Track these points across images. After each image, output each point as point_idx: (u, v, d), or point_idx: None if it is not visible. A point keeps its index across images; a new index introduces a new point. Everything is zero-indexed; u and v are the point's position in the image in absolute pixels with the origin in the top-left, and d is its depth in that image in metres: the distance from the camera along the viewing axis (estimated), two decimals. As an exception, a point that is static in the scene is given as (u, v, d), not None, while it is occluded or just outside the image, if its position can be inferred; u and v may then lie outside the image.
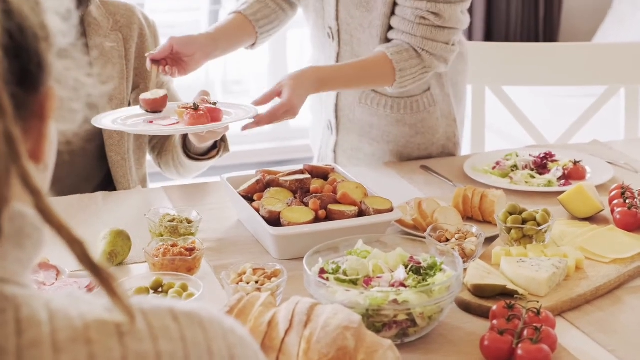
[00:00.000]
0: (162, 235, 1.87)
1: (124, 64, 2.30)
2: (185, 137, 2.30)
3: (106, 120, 2.05)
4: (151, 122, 2.11)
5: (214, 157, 2.32)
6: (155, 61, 2.17)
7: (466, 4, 2.28)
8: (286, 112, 2.09)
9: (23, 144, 0.73)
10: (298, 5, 2.46)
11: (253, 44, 2.41)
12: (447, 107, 2.50)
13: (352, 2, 2.30)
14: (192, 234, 1.89)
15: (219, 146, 2.32)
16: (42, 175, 0.83)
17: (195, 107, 2.06)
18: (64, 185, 2.25)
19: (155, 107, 2.14)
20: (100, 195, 2.21)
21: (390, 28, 2.32)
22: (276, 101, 2.12)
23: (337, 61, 2.39)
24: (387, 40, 2.33)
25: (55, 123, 0.83)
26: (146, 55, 2.18)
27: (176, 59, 2.20)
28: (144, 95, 2.14)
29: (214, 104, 2.10)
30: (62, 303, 0.76)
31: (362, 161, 2.49)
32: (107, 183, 2.34)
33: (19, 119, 0.76)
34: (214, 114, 2.07)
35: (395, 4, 2.28)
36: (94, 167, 2.34)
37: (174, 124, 2.09)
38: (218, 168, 2.36)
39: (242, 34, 2.35)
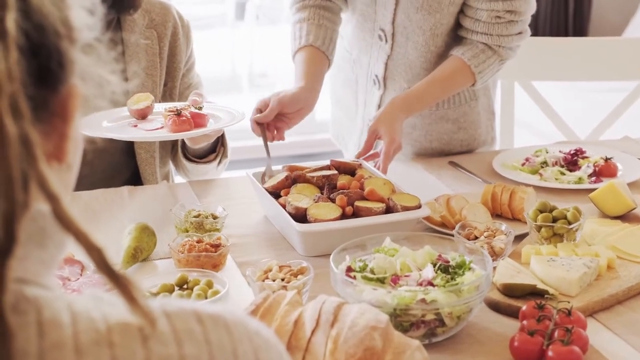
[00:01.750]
0: (187, 231, 1.86)
1: (158, 61, 2.31)
2: (182, 140, 2.30)
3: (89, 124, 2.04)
4: (135, 125, 2.11)
5: (211, 160, 2.31)
6: (261, 124, 2.17)
7: None
8: (395, 149, 2.16)
9: (40, 147, 0.71)
10: (345, 10, 2.44)
11: (328, 68, 2.40)
12: (487, 100, 2.51)
13: (412, 5, 2.28)
14: (218, 230, 1.87)
15: (217, 150, 2.31)
16: (66, 175, 0.81)
17: (178, 113, 2.05)
18: (91, 182, 2.24)
19: (142, 116, 2.14)
20: (125, 189, 2.20)
21: (457, 26, 2.33)
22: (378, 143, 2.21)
23: (387, 63, 2.39)
24: (450, 38, 2.33)
25: (80, 122, 0.81)
26: (251, 120, 2.17)
27: (279, 118, 2.21)
28: (130, 105, 2.13)
29: (199, 108, 2.11)
30: (84, 305, 0.75)
31: (403, 162, 2.48)
32: (134, 181, 2.33)
33: (40, 119, 0.74)
34: (197, 119, 2.07)
35: (463, 4, 2.28)
36: (121, 164, 2.33)
37: (157, 128, 2.09)
38: (242, 161, 2.35)
39: (323, 66, 2.35)
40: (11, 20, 0.69)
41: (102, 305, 0.76)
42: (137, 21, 2.28)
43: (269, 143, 2.18)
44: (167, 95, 2.35)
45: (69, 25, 0.76)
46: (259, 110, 2.18)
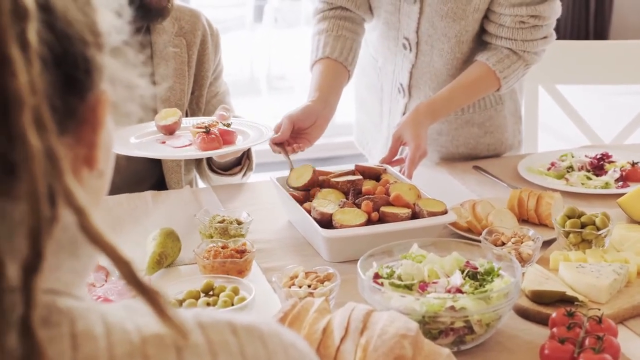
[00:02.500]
0: (212, 237, 1.85)
1: (186, 69, 2.30)
2: None
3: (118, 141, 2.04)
4: (164, 142, 2.11)
5: (236, 173, 2.30)
6: (280, 144, 2.16)
7: None
8: (421, 156, 2.15)
9: (66, 160, 0.70)
10: (371, 17, 2.42)
11: (348, 80, 2.38)
12: (513, 104, 2.50)
13: (436, 13, 2.27)
14: (242, 236, 1.86)
15: (242, 163, 2.30)
16: (97, 182, 0.80)
17: (207, 131, 2.05)
18: (117, 187, 2.24)
19: (170, 132, 2.14)
20: (149, 194, 2.19)
21: (481, 31, 2.32)
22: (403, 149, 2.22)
23: (412, 72, 2.38)
24: (476, 44, 2.32)
25: (111, 128, 0.80)
26: (270, 140, 2.16)
27: (298, 134, 2.20)
28: (158, 121, 2.13)
29: (228, 125, 2.10)
30: (118, 316, 0.74)
31: (428, 167, 2.46)
32: (159, 187, 2.32)
33: (68, 129, 0.73)
34: (226, 137, 2.07)
35: (487, 9, 2.27)
36: (147, 170, 2.33)
37: (185, 145, 2.09)
38: (266, 165, 2.34)
39: (341, 78, 2.33)
40: (33, 31, 0.68)
41: (136, 316, 0.75)
42: (167, 28, 2.28)
43: (290, 157, 2.16)
44: (193, 103, 2.35)
45: (96, 31, 0.75)
46: (276, 132, 2.17)
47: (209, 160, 2.31)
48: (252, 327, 0.77)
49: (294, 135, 2.19)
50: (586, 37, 5.25)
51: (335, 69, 2.31)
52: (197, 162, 2.41)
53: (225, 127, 2.10)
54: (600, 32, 5.31)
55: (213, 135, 2.04)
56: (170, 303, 0.73)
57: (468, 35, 2.30)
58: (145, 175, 2.33)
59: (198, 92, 2.35)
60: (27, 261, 0.67)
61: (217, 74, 2.41)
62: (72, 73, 0.72)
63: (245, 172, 2.32)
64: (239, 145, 2.10)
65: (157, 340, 0.72)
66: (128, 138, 2.10)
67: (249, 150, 2.29)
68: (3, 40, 0.66)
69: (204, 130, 2.04)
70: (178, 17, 2.32)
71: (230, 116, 2.16)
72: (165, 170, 2.30)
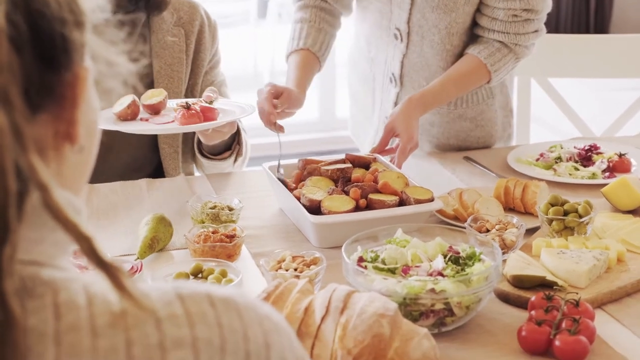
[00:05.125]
0: (203, 222, 1.89)
1: (184, 58, 2.34)
2: (197, 137, 2.33)
3: (102, 117, 2.06)
4: (147, 119, 2.14)
5: (226, 158, 2.34)
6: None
7: None
8: (412, 148, 2.19)
9: (31, 137, 0.72)
10: (349, 12, 2.47)
11: (318, 71, 2.43)
12: (504, 98, 2.54)
13: (428, 4, 2.31)
14: (233, 221, 1.90)
15: (232, 148, 2.34)
16: (79, 157, 0.82)
17: (187, 106, 2.08)
18: (117, 174, 2.28)
19: (155, 111, 2.16)
20: (144, 182, 2.23)
21: (473, 24, 2.35)
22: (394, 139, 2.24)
23: (403, 61, 2.41)
24: (466, 37, 2.36)
25: (95, 105, 0.83)
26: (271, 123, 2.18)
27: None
28: (143, 100, 2.15)
29: (210, 102, 2.13)
30: (100, 287, 0.76)
31: (419, 157, 2.50)
32: (157, 175, 2.36)
33: (45, 105, 0.76)
34: (207, 113, 2.09)
35: (480, 3, 2.31)
36: (146, 157, 2.36)
37: (168, 122, 2.11)
38: (262, 158, 2.37)
39: (313, 68, 2.39)
40: (1, 13, 0.71)
41: None
42: (166, 19, 2.33)
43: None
44: (188, 92, 2.39)
45: (76, 9, 0.78)
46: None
47: (199, 145, 2.34)
48: (229, 299, 0.80)
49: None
50: (587, 32, 5.26)
51: (313, 61, 2.37)
52: (193, 150, 2.44)
53: (207, 104, 2.12)
54: (600, 27, 5.33)
55: (193, 111, 2.06)
56: (130, 278, 0.76)
57: (458, 27, 2.33)
58: (144, 162, 2.37)
59: (193, 80, 2.39)
60: None
61: (213, 63, 2.45)
62: (48, 51, 0.75)
63: (236, 157, 2.35)
64: (219, 120, 2.11)
65: (137, 311, 0.75)
66: (113, 116, 2.12)
67: (239, 135, 2.32)
68: None
69: (185, 106, 2.08)
70: (177, 8, 2.37)
71: (216, 97, 2.19)
72: (163, 157, 2.33)
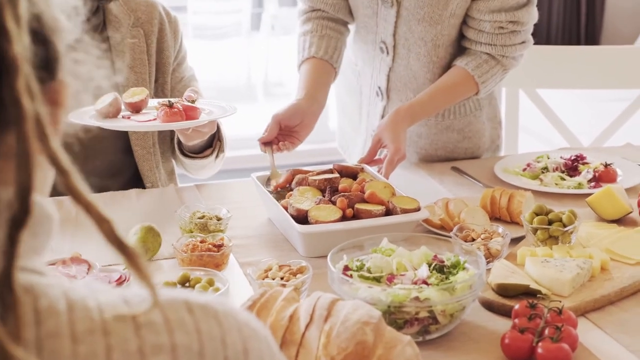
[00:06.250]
0: (192, 232, 1.90)
1: (146, 58, 2.34)
2: (177, 137, 2.33)
3: (84, 116, 2.05)
4: (128, 117, 2.13)
5: (208, 155, 2.35)
6: (267, 143, 2.22)
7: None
8: (400, 159, 2.20)
9: (50, 125, 0.74)
10: (352, 20, 2.49)
11: (335, 77, 2.44)
12: (492, 110, 2.55)
13: (413, 17, 2.32)
14: (222, 231, 1.92)
15: (214, 145, 2.35)
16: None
17: (170, 105, 2.08)
18: (92, 180, 2.28)
19: (136, 109, 2.16)
20: (133, 192, 2.25)
21: (460, 37, 2.37)
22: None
23: (389, 75, 2.43)
24: (453, 49, 2.38)
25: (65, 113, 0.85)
26: (258, 140, 2.22)
27: (287, 133, 2.25)
28: (125, 99, 2.15)
29: (193, 101, 2.14)
30: (80, 293, 0.77)
31: (406, 167, 2.51)
32: (137, 178, 2.37)
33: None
34: (189, 112, 2.10)
35: (466, 15, 2.32)
36: (122, 162, 2.37)
37: (150, 120, 2.11)
38: (251, 169, 2.38)
39: (327, 76, 2.39)
40: (24, 7, 0.74)
41: (97, 294, 0.78)
42: (123, 21, 2.31)
43: (283, 158, 2.22)
44: (159, 91, 2.38)
45: (58, 23, 0.80)
46: (265, 132, 2.23)
47: (180, 145, 2.35)
48: (208, 306, 0.81)
49: (283, 134, 2.25)
50: (577, 42, 5.30)
51: (321, 66, 2.37)
52: (172, 148, 2.45)
53: (189, 103, 2.13)
54: (591, 38, 5.36)
55: (176, 109, 2.06)
56: (147, 264, 0.78)
57: (444, 39, 2.35)
58: (122, 167, 2.37)
59: (162, 79, 2.39)
60: (15, 216, 0.72)
61: (179, 60, 2.44)
62: (48, 51, 0.78)
63: (218, 153, 2.36)
64: (202, 119, 2.12)
65: (117, 317, 0.76)
66: (92, 114, 2.11)
67: (219, 131, 2.33)
68: (2, 13, 0.71)
69: (167, 104, 2.08)
70: (134, 9, 2.35)
71: (198, 98, 2.20)
72: (137, 159, 2.33)
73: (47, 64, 0.78)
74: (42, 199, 0.80)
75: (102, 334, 0.75)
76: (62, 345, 0.74)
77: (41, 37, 0.77)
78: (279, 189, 2.06)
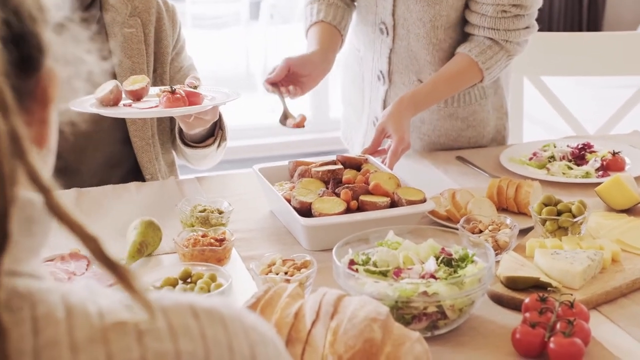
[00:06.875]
0: (193, 226, 1.86)
1: (144, 48, 2.31)
2: (179, 126, 2.29)
3: (85, 104, 2.02)
4: (130, 105, 2.09)
5: (210, 144, 2.31)
6: (274, 84, 2.19)
7: None
8: (404, 149, 2.17)
9: (29, 140, 0.70)
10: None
11: (341, 45, 2.42)
12: (498, 99, 2.51)
13: None
14: (223, 225, 1.88)
15: (215, 134, 2.31)
16: (47, 160, 0.81)
17: (172, 91, 2.05)
18: (91, 172, 2.25)
19: (137, 97, 2.12)
20: (133, 185, 2.21)
21: (463, 22, 2.33)
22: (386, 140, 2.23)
23: (390, 57, 2.40)
24: (455, 33, 2.33)
25: (57, 106, 0.81)
26: (265, 81, 2.19)
27: (293, 79, 2.23)
28: (126, 87, 2.12)
29: (195, 87, 2.10)
30: (79, 297, 0.74)
31: (411, 157, 2.48)
32: (136, 170, 2.34)
33: (24, 109, 0.74)
34: (192, 98, 2.06)
35: None
36: (121, 153, 2.33)
37: (152, 107, 2.07)
38: (253, 160, 2.34)
39: (336, 41, 2.37)
40: None
41: (98, 297, 0.75)
42: (120, 10, 2.28)
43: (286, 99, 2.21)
44: (157, 81, 2.35)
45: (42, 6, 0.76)
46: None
47: (181, 134, 2.31)
48: (213, 310, 0.78)
49: (289, 79, 2.23)
50: (579, 29, 5.26)
51: (330, 31, 2.35)
52: (173, 139, 2.41)
53: (192, 89, 2.09)
54: (593, 24, 5.32)
55: (178, 95, 2.03)
56: (138, 279, 0.74)
57: (443, 20, 2.31)
58: (121, 158, 2.33)
59: (160, 69, 2.35)
60: None
61: (178, 49, 2.41)
62: (25, 52, 0.73)
63: (220, 142, 2.33)
64: (205, 104, 2.08)
65: (118, 324, 0.73)
66: (92, 102, 2.08)
67: (220, 120, 2.30)
68: None
69: (170, 91, 2.04)
70: None
71: (200, 85, 2.16)
72: (136, 150, 2.30)
73: (28, 61, 0.74)
74: (37, 196, 0.76)
75: (103, 342, 0.72)
76: (62, 355, 0.70)
77: (19, 34, 0.72)
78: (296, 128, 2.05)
